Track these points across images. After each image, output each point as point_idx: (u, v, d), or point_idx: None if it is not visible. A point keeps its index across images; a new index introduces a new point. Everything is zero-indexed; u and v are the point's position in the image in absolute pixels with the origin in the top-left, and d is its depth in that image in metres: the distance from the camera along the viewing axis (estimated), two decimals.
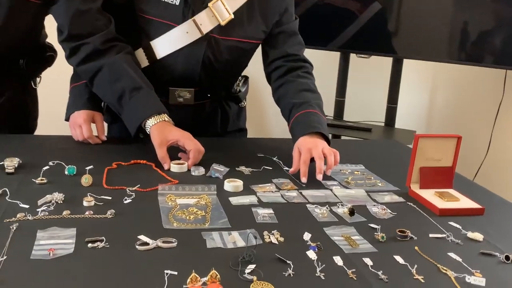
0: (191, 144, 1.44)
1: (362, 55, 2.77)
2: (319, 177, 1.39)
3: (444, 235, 1.13)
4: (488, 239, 1.13)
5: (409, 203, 1.31)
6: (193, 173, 1.40)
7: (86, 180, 1.27)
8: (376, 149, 1.91)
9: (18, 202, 1.14)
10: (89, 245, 0.98)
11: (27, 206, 1.13)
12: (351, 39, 2.74)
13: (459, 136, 1.36)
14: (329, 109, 2.95)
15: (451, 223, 1.20)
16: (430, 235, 1.13)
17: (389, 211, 1.24)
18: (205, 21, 1.58)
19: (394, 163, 1.66)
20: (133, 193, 1.24)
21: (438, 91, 3.22)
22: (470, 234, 1.14)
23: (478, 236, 1.13)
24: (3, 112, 1.63)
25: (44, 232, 1.02)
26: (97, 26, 1.53)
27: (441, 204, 1.28)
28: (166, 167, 1.42)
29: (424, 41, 2.68)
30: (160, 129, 1.45)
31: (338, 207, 1.24)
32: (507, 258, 1.04)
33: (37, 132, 1.81)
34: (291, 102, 1.61)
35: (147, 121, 1.46)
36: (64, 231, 1.03)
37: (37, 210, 1.11)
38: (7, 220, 1.06)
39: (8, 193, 1.18)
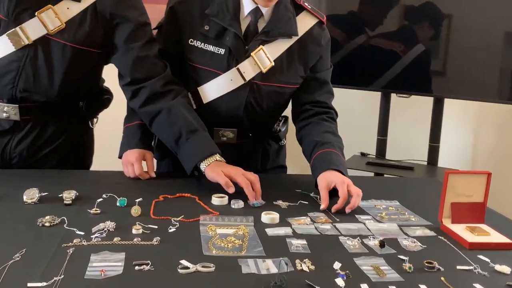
0: (243, 180, 1.52)
1: (403, 95, 2.82)
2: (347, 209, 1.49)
3: (471, 267, 1.17)
4: None
5: (440, 237, 1.35)
6: (232, 206, 1.49)
7: (135, 210, 1.39)
8: (413, 187, 1.95)
9: (75, 229, 1.27)
10: (136, 267, 1.08)
11: (82, 233, 1.25)
12: (393, 79, 2.81)
13: (488, 172, 1.40)
14: (371, 148, 3.02)
15: (480, 256, 1.23)
16: (458, 267, 1.17)
17: (419, 244, 1.28)
18: (248, 69, 1.71)
19: (430, 200, 1.68)
20: (177, 223, 1.34)
21: (482, 130, 3.22)
22: (498, 267, 1.17)
23: (506, 269, 1.16)
24: (63, 150, 1.78)
25: (96, 256, 1.13)
26: (155, 70, 1.68)
27: (471, 238, 1.32)
28: (231, 190, 1.51)
29: (469, 80, 2.69)
30: (213, 168, 1.56)
31: (370, 239, 1.30)
32: None
33: (92, 168, 1.96)
34: (314, 140, 1.71)
35: (202, 162, 1.58)
36: (114, 255, 1.13)
37: (91, 236, 1.23)
38: (65, 245, 1.18)
39: (66, 221, 1.31)
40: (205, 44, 1.71)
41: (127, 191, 1.55)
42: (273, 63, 1.71)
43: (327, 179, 1.56)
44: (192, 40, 1.72)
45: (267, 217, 1.39)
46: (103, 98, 1.88)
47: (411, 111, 3.11)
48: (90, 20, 1.62)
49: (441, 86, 2.78)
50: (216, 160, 1.59)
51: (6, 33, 1.56)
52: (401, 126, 3.11)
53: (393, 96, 2.92)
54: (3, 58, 1.59)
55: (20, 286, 0.99)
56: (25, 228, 1.27)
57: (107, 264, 1.09)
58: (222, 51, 1.70)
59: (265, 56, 1.70)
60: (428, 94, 2.80)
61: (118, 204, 1.45)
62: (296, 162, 2.00)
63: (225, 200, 1.52)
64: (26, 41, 1.57)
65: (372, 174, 2.84)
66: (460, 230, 1.36)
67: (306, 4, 1.79)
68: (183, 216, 1.38)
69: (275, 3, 1.70)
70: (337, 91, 2.57)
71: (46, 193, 1.48)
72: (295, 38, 1.75)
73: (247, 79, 1.71)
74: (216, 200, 1.51)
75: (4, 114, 1.66)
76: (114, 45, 1.68)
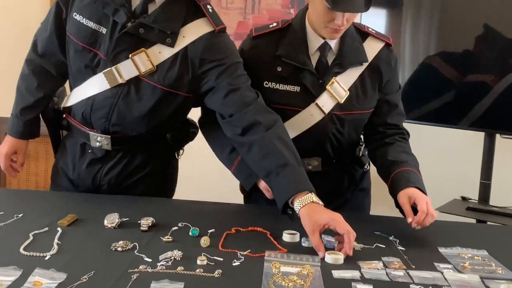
0: (343, 228, 1.39)
1: (508, 136, 2.61)
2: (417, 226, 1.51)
3: None
4: None
5: None
6: (303, 244, 1.45)
7: (204, 241, 1.40)
8: (508, 235, 1.77)
9: (144, 255, 1.30)
10: None
11: (150, 260, 1.28)
12: (496, 118, 2.61)
13: None
14: (473, 192, 2.81)
15: None
16: None
17: None
18: (326, 102, 1.75)
19: None
20: (243, 257, 1.33)
21: None
22: None
23: None
24: (149, 180, 1.85)
25: (156, 283, 1.15)
26: (246, 102, 1.66)
27: None
28: (321, 255, 1.36)
29: None
30: (309, 212, 1.43)
31: None
32: None
33: (174, 197, 2.01)
34: (390, 160, 1.73)
35: (295, 201, 1.47)
36: (173, 284, 1.15)
37: (157, 264, 1.26)
38: (131, 270, 1.22)
39: (138, 247, 1.35)
40: (280, 85, 1.76)
41: (203, 221, 1.57)
42: (348, 92, 1.75)
43: (407, 194, 1.58)
44: (267, 83, 1.77)
45: (331, 257, 1.33)
46: (190, 131, 1.93)
47: None
48: (179, 65, 1.67)
49: None
50: (312, 201, 1.46)
51: (103, 71, 1.68)
52: (508, 170, 2.87)
53: (498, 136, 2.71)
54: (100, 94, 1.70)
55: None
56: (99, 251, 1.33)
57: None
58: (297, 88, 1.76)
59: (340, 87, 1.75)
60: None
61: (190, 233, 1.48)
62: (380, 186, 1.93)
63: (296, 237, 1.48)
64: (120, 80, 1.67)
65: (473, 221, 2.63)
66: None
67: (370, 29, 1.83)
68: (249, 250, 1.37)
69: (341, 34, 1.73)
70: (437, 130, 2.44)
71: (127, 219, 1.55)
72: (365, 64, 1.78)
73: (327, 111, 1.75)
74: (287, 236, 1.49)
75: (98, 143, 1.77)
76: (206, 87, 1.71)
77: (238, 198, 2.00)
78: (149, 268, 1.23)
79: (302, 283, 1.19)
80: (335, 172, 1.89)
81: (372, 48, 1.80)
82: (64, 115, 1.87)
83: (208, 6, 1.72)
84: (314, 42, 1.75)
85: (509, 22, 2.57)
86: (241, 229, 1.54)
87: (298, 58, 1.73)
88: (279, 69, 1.75)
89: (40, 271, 1.18)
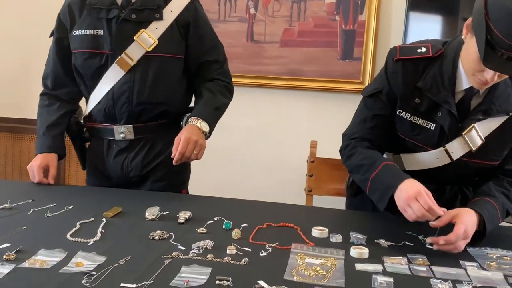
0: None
1: None
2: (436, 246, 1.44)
3: None
4: None
5: None
6: (331, 239, 1.50)
7: (235, 233, 1.48)
8: None
9: (178, 244, 1.40)
10: (217, 282, 1.17)
11: (183, 248, 1.37)
12: None
13: None
14: None
15: None
16: None
17: None
18: (456, 149, 1.63)
19: None
20: (270, 249, 1.40)
21: None
22: None
23: None
24: (169, 164, 1.93)
25: (186, 268, 1.24)
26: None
27: None
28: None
29: None
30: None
31: (464, 284, 1.21)
32: None
33: (204, 189, 2.14)
34: (482, 190, 1.63)
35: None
36: (202, 269, 1.23)
37: (189, 251, 1.35)
38: (164, 256, 1.31)
39: (173, 236, 1.45)
40: (414, 117, 1.65)
41: (237, 215, 1.66)
42: (484, 141, 1.60)
43: (459, 211, 1.49)
44: (401, 112, 1.67)
45: (356, 251, 1.38)
46: None
47: None
48: (175, 33, 1.96)
49: None
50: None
51: (116, 61, 1.92)
52: None
53: None
54: (116, 84, 1.94)
55: (115, 285, 1.13)
56: (138, 239, 1.43)
57: (193, 275, 1.19)
58: (432, 126, 1.63)
59: (477, 135, 1.60)
60: None
61: (223, 226, 1.56)
62: None
63: (325, 233, 1.54)
64: (131, 63, 1.92)
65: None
66: None
67: None
68: (278, 243, 1.43)
69: None
70: None
71: (167, 212, 1.65)
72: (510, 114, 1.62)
73: (454, 158, 1.64)
74: (316, 232, 1.54)
75: (121, 135, 1.99)
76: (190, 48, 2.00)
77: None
78: (181, 255, 1.32)
79: (324, 273, 1.25)
80: (449, 191, 1.79)
81: None
82: (85, 129, 2.09)
83: None
84: (464, 81, 1.58)
85: None
86: (273, 224, 1.61)
87: (441, 96, 1.59)
88: (417, 101, 1.63)
89: (82, 253, 1.29)
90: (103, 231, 1.48)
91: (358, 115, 1.78)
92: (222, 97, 2.02)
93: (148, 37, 1.92)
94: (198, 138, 1.84)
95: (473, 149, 1.61)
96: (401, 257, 1.39)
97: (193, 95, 2.12)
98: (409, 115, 1.66)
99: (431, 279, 1.25)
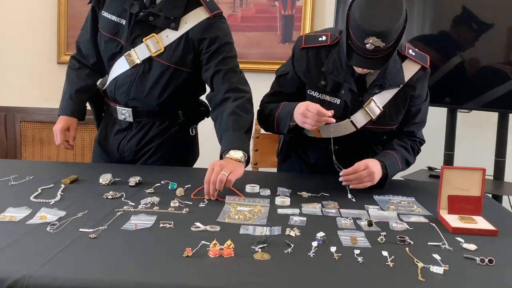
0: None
1: (464, 111, 2.89)
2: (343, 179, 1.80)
3: (440, 243, 1.33)
4: (481, 250, 1.30)
5: (431, 223, 1.52)
6: (261, 193, 1.77)
7: (179, 191, 1.73)
8: None
9: (129, 201, 1.63)
10: (161, 225, 1.41)
11: (133, 204, 1.61)
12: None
13: (483, 168, 1.54)
14: (439, 163, 3.09)
15: (458, 238, 1.39)
16: (429, 243, 1.34)
17: (406, 225, 1.47)
18: (360, 119, 1.92)
19: None
20: (207, 201, 1.66)
21: None
22: (465, 245, 1.32)
23: (472, 246, 1.31)
24: (165, 148, 2.17)
25: (135, 216, 1.48)
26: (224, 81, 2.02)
27: (456, 223, 1.47)
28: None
29: None
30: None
31: (362, 220, 1.50)
32: (482, 260, 1.22)
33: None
34: (385, 147, 1.98)
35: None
36: (149, 217, 1.48)
37: (138, 206, 1.59)
38: (117, 210, 1.54)
39: (124, 196, 1.68)
40: (323, 95, 1.94)
41: (183, 180, 1.88)
42: (382, 110, 1.90)
43: (364, 161, 1.81)
44: (311, 91, 1.96)
45: (279, 199, 1.65)
46: (199, 110, 2.27)
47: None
48: (183, 46, 2.04)
49: None
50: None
51: (124, 54, 2.08)
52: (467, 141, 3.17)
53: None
54: (122, 74, 2.10)
55: (75, 231, 1.36)
56: (94, 199, 1.66)
57: (140, 221, 1.44)
58: (337, 101, 1.92)
59: (376, 106, 1.90)
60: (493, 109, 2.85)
61: (169, 187, 1.80)
62: None
63: (256, 188, 1.80)
64: (137, 60, 2.06)
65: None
66: (452, 219, 1.52)
67: (411, 52, 1.92)
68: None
69: None
70: None
71: (119, 179, 1.88)
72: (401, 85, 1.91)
73: (359, 127, 1.93)
74: (248, 188, 1.81)
75: (123, 116, 2.16)
76: (203, 63, 2.06)
77: None
78: (131, 208, 1.56)
79: (251, 216, 1.51)
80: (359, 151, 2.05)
81: (409, 71, 1.91)
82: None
83: None
84: None
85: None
86: None
87: (341, 76, 1.88)
88: (323, 82, 1.92)
89: (45, 209, 1.51)
90: (62, 194, 1.70)
91: (271, 89, 2.09)
92: (246, 115, 1.97)
93: (156, 43, 2.03)
94: (223, 167, 1.72)
95: (373, 118, 1.91)
96: (316, 203, 1.67)
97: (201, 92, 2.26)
98: (318, 93, 1.95)
99: (337, 218, 1.54)
